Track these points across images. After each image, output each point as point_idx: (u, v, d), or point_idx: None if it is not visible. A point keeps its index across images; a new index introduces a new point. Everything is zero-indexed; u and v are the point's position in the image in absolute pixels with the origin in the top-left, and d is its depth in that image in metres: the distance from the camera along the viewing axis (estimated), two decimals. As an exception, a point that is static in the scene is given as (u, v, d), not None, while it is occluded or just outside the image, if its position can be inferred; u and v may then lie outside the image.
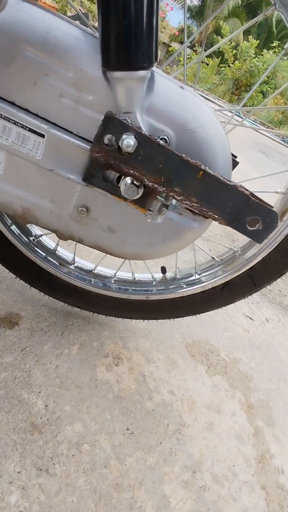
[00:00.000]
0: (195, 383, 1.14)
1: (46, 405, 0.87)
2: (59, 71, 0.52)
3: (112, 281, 1.04)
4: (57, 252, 1.00)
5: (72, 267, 1.02)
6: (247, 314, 1.67)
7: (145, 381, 1.05)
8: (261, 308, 1.79)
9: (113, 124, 0.51)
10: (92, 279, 1.03)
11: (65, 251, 1.03)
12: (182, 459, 0.90)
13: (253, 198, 0.59)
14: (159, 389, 1.05)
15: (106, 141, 0.54)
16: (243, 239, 0.97)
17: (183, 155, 0.54)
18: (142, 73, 0.48)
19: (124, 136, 0.52)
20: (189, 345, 1.28)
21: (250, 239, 0.93)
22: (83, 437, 0.84)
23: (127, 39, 0.44)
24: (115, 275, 1.04)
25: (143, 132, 0.52)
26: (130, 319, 1.10)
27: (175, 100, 0.55)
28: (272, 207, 0.61)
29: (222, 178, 0.57)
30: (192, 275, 1.00)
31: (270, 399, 1.24)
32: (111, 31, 0.45)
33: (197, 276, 0.99)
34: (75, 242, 0.95)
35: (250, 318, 1.66)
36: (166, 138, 0.57)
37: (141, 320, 1.25)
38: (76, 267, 1.02)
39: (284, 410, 1.23)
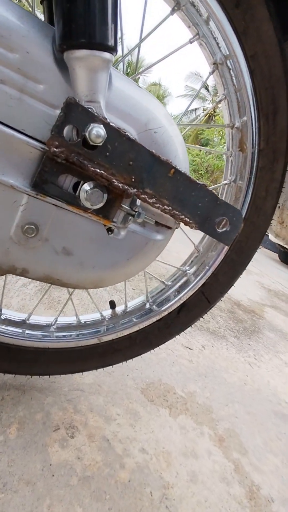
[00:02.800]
0: (163, 430, 0.99)
1: (-16, 531, 0.58)
2: (-3, 51, 0.42)
3: (53, 329, 0.85)
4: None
5: (-3, 320, 0.79)
6: (186, 345, 1.64)
7: (110, 447, 0.84)
8: (194, 337, 1.80)
9: (76, 111, 0.43)
10: (27, 331, 0.82)
11: (-15, 301, 0.80)
12: (178, 533, 0.72)
13: (220, 198, 0.58)
14: (129, 451, 0.86)
15: (65, 133, 0.45)
16: (185, 258, 0.96)
17: (153, 151, 0.50)
18: (107, 55, 0.43)
19: (91, 125, 0.44)
20: (144, 389, 1.13)
21: (193, 255, 0.94)
22: None
23: (92, 11, 0.39)
24: (55, 321, 0.86)
25: (111, 124, 0.46)
26: (80, 372, 0.90)
27: (136, 98, 0.52)
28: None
29: (191, 177, 0.54)
30: (144, 304, 0.92)
31: (234, 426, 1.18)
32: (74, 4, 0.39)
33: (150, 305, 0.91)
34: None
35: (189, 348, 1.63)
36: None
37: (91, 371, 1.06)
38: (4, 320, 0.80)
39: (248, 432, 1.18)
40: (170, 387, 1.22)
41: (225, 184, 0.84)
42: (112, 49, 0.43)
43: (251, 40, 0.65)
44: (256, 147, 0.76)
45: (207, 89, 26.58)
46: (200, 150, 17.52)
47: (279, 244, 5.22)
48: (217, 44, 0.68)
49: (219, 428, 1.13)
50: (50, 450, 0.76)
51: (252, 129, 0.74)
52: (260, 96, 0.71)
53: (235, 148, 0.80)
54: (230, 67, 0.69)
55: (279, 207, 0.83)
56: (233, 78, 0.71)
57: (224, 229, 0.61)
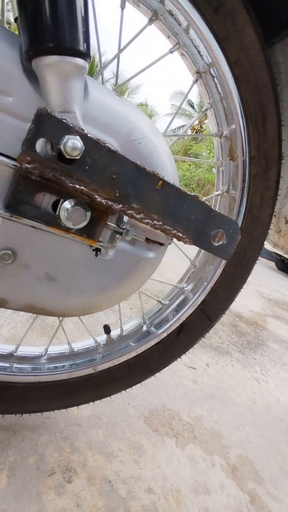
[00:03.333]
0: (170, 464, 0.90)
1: None
2: None
3: (44, 361, 0.79)
4: None
5: (-18, 355, 0.73)
6: (189, 365, 1.56)
7: (113, 489, 0.76)
8: (197, 355, 1.72)
9: (49, 123, 0.39)
10: (15, 365, 0.75)
11: None
12: None
13: (214, 209, 0.54)
14: (134, 492, 0.77)
15: (39, 148, 0.41)
16: (181, 274, 0.91)
17: (138, 162, 0.46)
18: (79, 61, 0.39)
19: (66, 137, 0.40)
20: (148, 418, 1.05)
21: (190, 271, 0.88)
22: None
23: (60, 13, 0.36)
24: (46, 351, 0.79)
25: (89, 135, 0.42)
26: (76, 406, 0.83)
27: (116, 108, 0.48)
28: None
29: (182, 189, 0.50)
30: (141, 327, 0.86)
31: (247, 452, 1.10)
32: (39, 7, 0.36)
33: (147, 327, 0.85)
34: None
35: (193, 368, 1.55)
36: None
37: (88, 404, 0.98)
38: (-11, 353, 0.73)
39: (262, 458, 1.10)
40: (175, 413, 1.14)
41: (218, 195, 0.81)
42: (85, 55, 0.40)
43: (233, 46, 0.63)
44: (247, 155, 0.73)
45: (192, 106, 27.40)
46: (190, 165, 17.86)
47: (275, 252, 5.20)
48: (199, 52, 0.65)
49: (231, 456, 1.04)
50: (45, 499, 0.68)
51: (242, 136, 0.71)
52: (247, 102, 0.69)
53: (225, 157, 0.77)
54: (214, 74, 0.67)
55: (275, 215, 0.79)
56: (218, 85, 0.68)
57: (221, 242, 0.56)
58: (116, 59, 0.61)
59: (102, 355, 0.83)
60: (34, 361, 0.78)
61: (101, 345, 0.84)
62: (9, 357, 0.76)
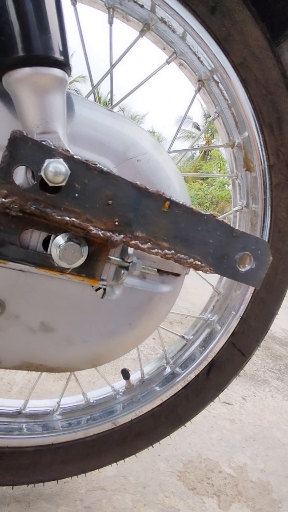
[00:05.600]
0: (215, 534, 0.75)
1: None
2: None
3: (57, 417, 0.69)
4: None
5: (-14, 416, 0.64)
6: (223, 400, 1.40)
7: None
8: (231, 386, 1.54)
9: (26, 148, 0.32)
10: (24, 425, 0.66)
11: None
12: None
13: (236, 229, 0.44)
14: None
15: (19, 179, 0.34)
16: (204, 302, 0.80)
17: (138, 183, 0.38)
18: (57, 71, 0.33)
19: (47, 162, 0.33)
20: (182, 473, 0.91)
21: (214, 299, 0.78)
22: None
23: (25, 18, 0.30)
24: (58, 405, 0.70)
25: (75, 156, 0.34)
26: (96, 470, 0.71)
27: (107, 123, 0.41)
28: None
29: (194, 208, 0.41)
30: (164, 368, 0.75)
31: (305, 508, 0.92)
32: (5, 12, 0.30)
33: (171, 368, 0.74)
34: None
35: (228, 404, 1.39)
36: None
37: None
38: (-7, 414, 0.65)
39: None
40: (213, 464, 0.99)
41: (236, 210, 0.72)
42: (63, 64, 0.33)
43: (236, 46, 0.57)
44: (265, 163, 0.64)
45: (198, 128, 28.01)
46: (202, 183, 17.96)
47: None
48: (198, 58, 0.59)
49: (286, 516, 0.87)
50: None
51: (257, 143, 0.63)
52: (259, 105, 0.61)
53: (240, 168, 0.69)
54: (218, 80, 0.60)
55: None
56: (224, 92, 0.61)
57: (249, 267, 0.46)
58: (109, 75, 0.56)
59: (123, 405, 0.72)
60: (45, 419, 0.68)
61: (120, 393, 0.73)
62: (17, 415, 0.67)
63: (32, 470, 0.65)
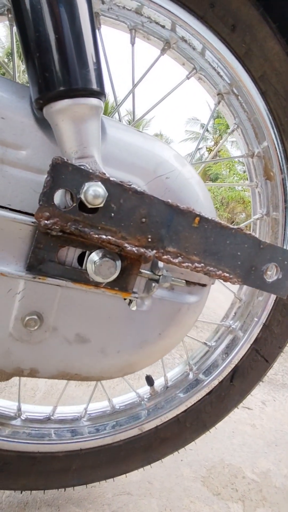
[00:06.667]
0: None
1: None
2: None
3: (84, 423, 0.71)
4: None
5: (17, 422, 0.66)
6: (243, 405, 1.39)
7: None
8: (250, 391, 1.54)
9: (66, 172, 0.35)
10: (53, 431, 0.68)
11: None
12: None
13: (264, 241, 0.46)
14: None
15: (57, 200, 0.36)
16: (225, 308, 0.81)
17: (169, 201, 0.40)
18: (93, 100, 0.35)
19: (86, 185, 0.35)
20: (206, 478, 0.92)
21: (236, 306, 0.79)
22: None
23: (67, 53, 0.32)
24: (86, 411, 0.72)
25: (111, 178, 0.37)
26: (123, 475, 0.73)
27: (137, 144, 0.43)
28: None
29: (222, 222, 0.43)
30: (188, 375, 0.76)
31: None
32: (44, 49, 0.32)
33: (194, 374, 0.75)
34: (18, 380, 0.64)
35: (248, 408, 1.39)
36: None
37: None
38: (26, 419, 0.67)
39: None
40: (237, 469, 0.99)
41: (257, 218, 0.73)
42: (99, 93, 0.36)
43: (256, 61, 0.58)
44: (286, 171, 0.65)
45: (207, 129, 27.93)
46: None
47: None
48: (218, 73, 0.61)
49: (312, 523, 0.86)
50: None
51: (277, 153, 0.64)
52: (279, 116, 0.62)
53: (260, 177, 0.70)
54: (238, 93, 0.62)
55: None
56: (243, 104, 0.63)
57: (276, 277, 0.47)
58: (132, 95, 0.58)
59: (148, 411, 0.73)
60: (73, 424, 0.70)
61: (145, 399, 0.75)
62: (47, 421, 0.70)
63: (63, 474, 0.67)
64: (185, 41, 0.58)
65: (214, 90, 0.65)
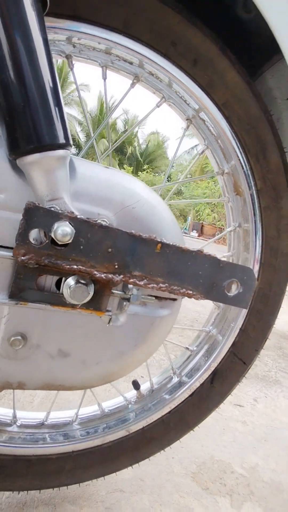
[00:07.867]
0: (227, 531, 0.81)
1: None
2: None
3: (76, 426, 0.76)
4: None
5: (14, 428, 0.72)
6: (235, 402, 1.45)
7: None
8: (242, 388, 1.60)
9: (38, 215, 0.40)
10: (47, 435, 0.74)
11: (-1, 408, 0.74)
12: None
13: (222, 260, 0.51)
14: None
15: (32, 239, 0.42)
16: (206, 316, 0.86)
17: (132, 231, 0.45)
18: (60, 152, 0.41)
19: (56, 225, 0.40)
20: (196, 474, 0.97)
21: (214, 313, 0.84)
22: None
23: (32, 116, 0.38)
24: (77, 415, 0.77)
25: (78, 216, 0.42)
26: (114, 473, 0.78)
27: (105, 179, 0.49)
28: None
29: (183, 247, 0.48)
30: (171, 378, 0.81)
31: (315, 505, 0.96)
32: (12, 111, 0.38)
33: (178, 378, 0.81)
34: (12, 391, 0.69)
35: (240, 405, 1.44)
36: (105, 221, 0.48)
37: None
38: (21, 425, 0.73)
39: None
40: (226, 465, 1.04)
41: (231, 230, 0.78)
42: (65, 145, 0.41)
43: (219, 90, 0.63)
44: (253, 188, 0.70)
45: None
46: (209, 182, 17.99)
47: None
48: (185, 101, 0.66)
49: (296, 513, 0.92)
50: None
51: (244, 171, 0.69)
52: (243, 138, 0.67)
53: (231, 193, 0.75)
54: (204, 119, 0.67)
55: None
56: (210, 128, 0.68)
57: (236, 291, 0.53)
58: (106, 124, 0.63)
59: (135, 413, 0.79)
60: (65, 428, 0.76)
61: (132, 402, 0.80)
62: (40, 426, 0.75)
63: (57, 474, 0.73)
64: (153, 75, 0.63)
65: (183, 115, 0.70)
